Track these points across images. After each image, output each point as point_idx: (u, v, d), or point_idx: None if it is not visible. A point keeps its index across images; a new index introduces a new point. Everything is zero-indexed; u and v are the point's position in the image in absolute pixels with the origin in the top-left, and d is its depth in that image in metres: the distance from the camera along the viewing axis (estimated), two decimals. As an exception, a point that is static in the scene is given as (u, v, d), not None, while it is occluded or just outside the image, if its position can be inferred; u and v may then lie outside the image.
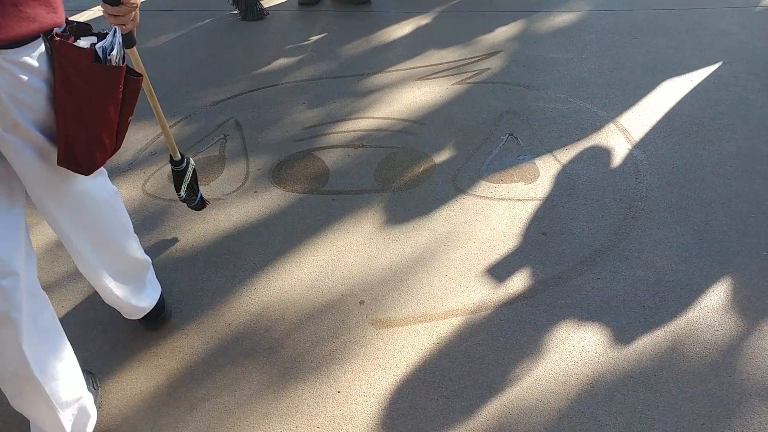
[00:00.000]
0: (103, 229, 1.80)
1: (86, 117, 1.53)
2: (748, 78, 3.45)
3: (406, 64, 3.83)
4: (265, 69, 3.88)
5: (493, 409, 1.83)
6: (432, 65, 3.79)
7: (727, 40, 3.90)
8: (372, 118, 3.26)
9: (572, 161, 2.85)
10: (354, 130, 3.16)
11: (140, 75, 1.61)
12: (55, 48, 1.46)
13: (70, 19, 1.56)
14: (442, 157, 2.93)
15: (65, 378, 1.68)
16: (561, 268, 2.29)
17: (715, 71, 3.54)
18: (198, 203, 2.49)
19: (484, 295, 2.20)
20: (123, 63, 1.54)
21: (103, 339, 2.12)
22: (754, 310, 2.10)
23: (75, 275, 2.36)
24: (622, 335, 2.03)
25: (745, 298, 2.14)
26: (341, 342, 2.06)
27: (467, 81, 3.58)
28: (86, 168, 1.59)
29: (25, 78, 1.44)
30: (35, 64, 1.45)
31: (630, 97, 3.34)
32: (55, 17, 1.46)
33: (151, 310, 2.09)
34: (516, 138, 3.02)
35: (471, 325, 2.09)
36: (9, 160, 1.53)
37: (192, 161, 2.37)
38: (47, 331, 1.64)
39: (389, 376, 1.94)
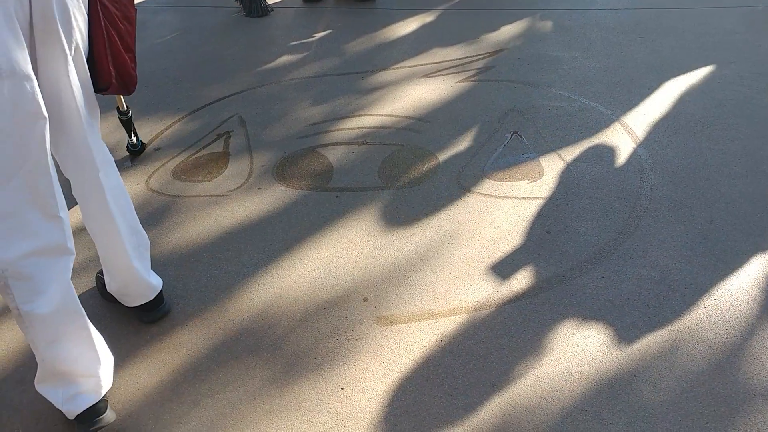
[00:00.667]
0: (121, 192, 1.90)
1: (123, 37, 1.75)
2: (753, 77, 3.44)
3: (410, 61, 3.83)
4: (268, 66, 3.88)
5: (496, 406, 1.83)
6: (436, 63, 3.78)
7: (732, 40, 3.89)
8: (376, 115, 3.26)
9: (577, 160, 2.84)
10: (358, 128, 3.16)
11: None
12: None
13: None
14: (446, 154, 2.92)
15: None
16: (565, 266, 2.29)
17: (720, 70, 3.53)
18: (141, 148, 2.49)
19: (487, 293, 2.20)
20: None
21: (106, 335, 2.11)
22: (759, 310, 2.09)
23: (75, 271, 2.36)
24: (626, 334, 2.03)
25: (751, 298, 2.14)
26: (345, 339, 2.06)
27: (472, 79, 3.58)
28: (134, 84, 1.81)
29: (80, 2, 1.60)
30: None
31: (635, 96, 3.33)
32: None
33: (152, 300, 2.10)
34: (520, 136, 3.02)
35: (475, 322, 2.09)
36: (67, 105, 1.64)
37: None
38: None
39: (393, 374, 1.94)
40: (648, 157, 2.84)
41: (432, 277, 2.27)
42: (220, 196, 2.73)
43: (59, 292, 1.60)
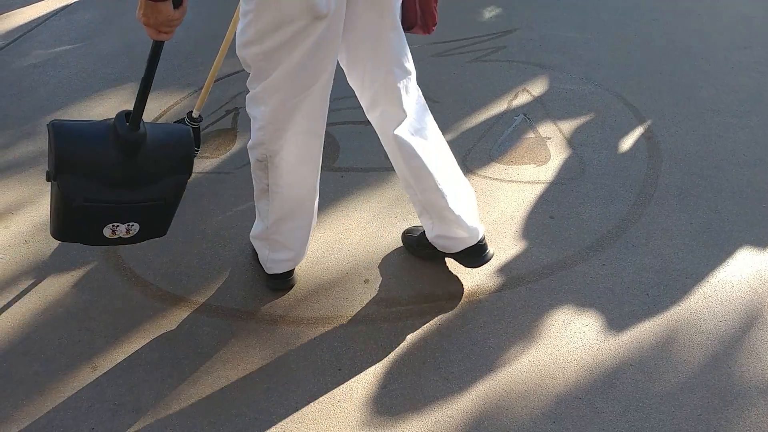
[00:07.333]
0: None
1: None
2: (768, 64, 3.39)
3: (420, 40, 3.80)
4: (279, 41, 3.85)
5: (491, 391, 1.85)
6: (446, 42, 3.75)
7: (748, 24, 3.83)
8: (385, 94, 3.24)
9: (584, 144, 2.83)
10: (366, 107, 3.14)
11: None
12: None
13: None
14: (453, 136, 2.92)
15: None
16: (566, 253, 2.29)
17: (734, 56, 3.48)
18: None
19: (487, 277, 2.20)
20: None
21: (109, 309, 2.15)
22: (758, 302, 2.09)
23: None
24: (624, 323, 2.03)
25: (751, 290, 2.13)
26: (344, 320, 2.08)
27: (482, 59, 3.55)
28: (434, 24, 2.04)
29: None
30: None
31: (646, 80, 3.29)
32: None
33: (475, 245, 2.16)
34: (529, 119, 3.01)
35: (473, 307, 2.10)
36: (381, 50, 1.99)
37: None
38: None
39: (390, 356, 1.96)
40: (656, 143, 2.82)
41: (433, 260, 2.28)
42: (226, 173, 2.74)
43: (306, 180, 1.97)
